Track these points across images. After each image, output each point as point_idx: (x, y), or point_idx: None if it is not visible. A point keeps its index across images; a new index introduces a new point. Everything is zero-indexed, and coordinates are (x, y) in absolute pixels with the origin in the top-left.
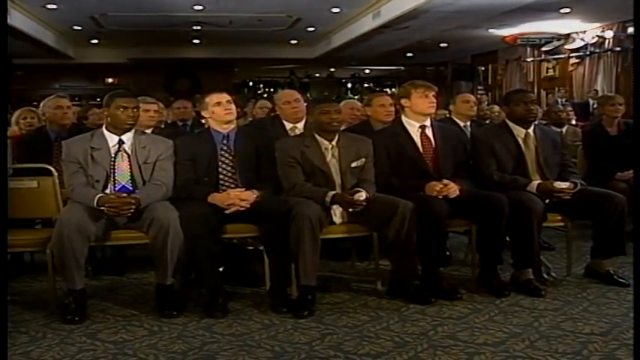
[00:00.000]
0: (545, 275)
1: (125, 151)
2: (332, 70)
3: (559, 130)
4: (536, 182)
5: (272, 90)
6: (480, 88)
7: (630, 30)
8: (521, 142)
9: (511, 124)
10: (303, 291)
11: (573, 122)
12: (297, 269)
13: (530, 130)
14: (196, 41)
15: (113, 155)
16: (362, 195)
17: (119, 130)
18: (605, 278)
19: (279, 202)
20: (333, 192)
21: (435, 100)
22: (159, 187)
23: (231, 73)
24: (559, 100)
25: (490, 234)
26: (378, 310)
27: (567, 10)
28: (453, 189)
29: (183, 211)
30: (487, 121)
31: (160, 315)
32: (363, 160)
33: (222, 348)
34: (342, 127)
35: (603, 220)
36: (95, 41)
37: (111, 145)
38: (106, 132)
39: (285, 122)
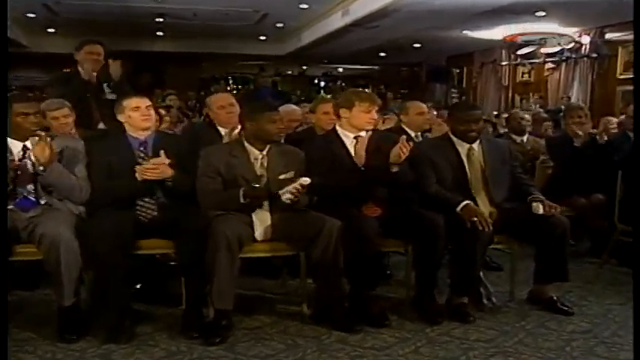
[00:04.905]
0: (485, 300)
1: (29, 159)
2: (304, 67)
3: (519, 138)
4: (463, 203)
5: (241, 86)
6: (453, 90)
7: (608, 36)
8: (463, 156)
9: (454, 138)
10: (217, 315)
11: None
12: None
13: (475, 145)
14: (160, 34)
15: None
16: (306, 180)
17: (22, 137)
18: (547, 305)
19: (197, 216)
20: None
21: (375, 116)
22: (74, 179)
23: (198, 67)
24: (533, 105)
25: (425, 256)
26: (297, 338)
27: (543, 13)
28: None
29: (91, 227)
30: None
31: (58, 339)
32: (292, 173)
33: None
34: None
35: (544, 243)
36: (52, 30)
37: (15, 152)
38: (8, 139)
39: (219, 128)
